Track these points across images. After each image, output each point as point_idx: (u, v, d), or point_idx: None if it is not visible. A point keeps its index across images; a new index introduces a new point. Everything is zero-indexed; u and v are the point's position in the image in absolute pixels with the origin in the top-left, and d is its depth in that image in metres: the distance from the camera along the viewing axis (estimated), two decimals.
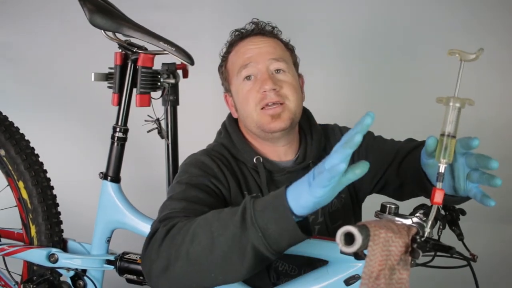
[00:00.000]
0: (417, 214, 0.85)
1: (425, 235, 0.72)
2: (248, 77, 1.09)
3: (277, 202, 0.72)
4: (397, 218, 0.84)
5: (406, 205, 1.01)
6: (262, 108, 1.07)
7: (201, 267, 0.78)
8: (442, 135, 0.77)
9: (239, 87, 1.11)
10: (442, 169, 0.77)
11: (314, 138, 1.17)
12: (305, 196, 0.69)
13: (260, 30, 1.14)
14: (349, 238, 0.64)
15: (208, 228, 0.78)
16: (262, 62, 1.08)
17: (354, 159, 1.19)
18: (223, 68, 1.18)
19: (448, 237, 0.86)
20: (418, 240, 0.68)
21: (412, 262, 0.69)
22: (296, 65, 1.18)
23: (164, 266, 0.82)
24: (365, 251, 0.67)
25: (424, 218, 0.84)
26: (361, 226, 0.65)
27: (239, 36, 1.15)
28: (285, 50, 1.15)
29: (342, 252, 0.90)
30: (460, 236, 0.91)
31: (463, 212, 0.95)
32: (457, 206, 0.97)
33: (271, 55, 1.09)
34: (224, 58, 1.17)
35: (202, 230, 0.79)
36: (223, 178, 1.07)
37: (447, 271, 0.92)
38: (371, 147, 1.19)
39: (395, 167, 1.11)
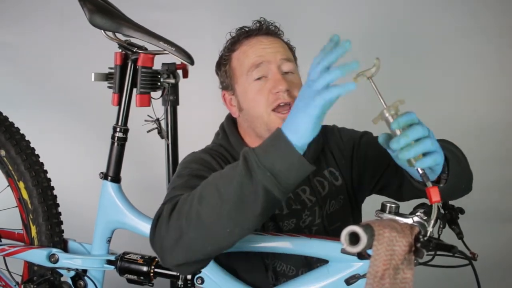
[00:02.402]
0: (417, 213, 0.85)
1: (428, 235, 0.72)
2: (259, 78, 1.08)
3: (277, 141, 0.75)
4: (397, 218, 0.84)
5: (406, 205, 1.01)
6: (273, 110, 1.06)
7: (215, 225, 0.79)
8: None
9: (248, 87, 1.09)
10: (420, 170, 0.76)
11: (313, 140, 1.17)
12: (303, 120, 0.74)
13: (266, 30, 1.13)
14: (353, 238, 0.64)
15: (213, 187, 0.79)
16: (274, 62, 1.07)
17: (353, 160, 1.19)
18: (226, 66, 1.15)
19: (446, 236, 0.86)
20: (421, 239, 0.68)
21: (415, 261, 0.69)
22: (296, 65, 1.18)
23: (176, 236, 0.82)
24: (368, 251, 0.67)
25: (425, 217, 0.84)
26: (366, 225, 0.65)
27: (245, 35, 1.13)
28: (289, 50, 1.15)
29: (344, 252, 0.90)
30: (459, 235, 0.91)
31: (462, 211, 0.95)
32: (456, 205, 0.97)
33: (282, 55, 1.09)
34: (227, 57, 1.15)
35: (207, 191, 0.80)
36: None
37: (446, 270, 0.92)
38: (370, 146, 1.18)
39: (394, 166, 1.11)
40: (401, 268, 0.66)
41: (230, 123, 1.19)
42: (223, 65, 1.17)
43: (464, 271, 0.89)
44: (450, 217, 0.93)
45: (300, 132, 0.74)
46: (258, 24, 1.14)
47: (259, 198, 0.75)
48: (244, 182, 0.75)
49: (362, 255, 0.70)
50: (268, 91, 1.06)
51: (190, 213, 0.80)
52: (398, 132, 0.75)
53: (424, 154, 0.75)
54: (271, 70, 1.07)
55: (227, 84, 1.16)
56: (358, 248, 0.63)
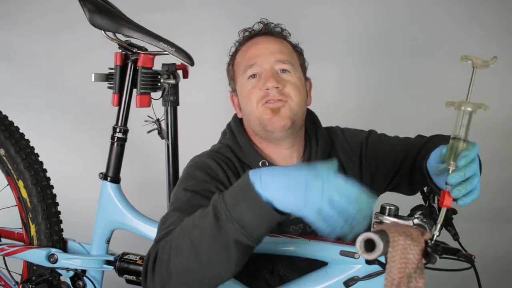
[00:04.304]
0: (417, 216, 0.85)
1: (434, 239, 0.72)
2: (253, 76, 1.08)
3: (246, 191, 0.73)
4: (396, 220, 0.84)
5: (406, 205, 1.00)
6: (263, 104, 1.06)
7: (192, 276, 0.79)
8: (453, 138, 0.77)
9: (243, 86, 1.10)
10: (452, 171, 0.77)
11: (320, 143, 1.16)
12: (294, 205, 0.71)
13: (268, 30, 1.13)
14: (368, 245, 0.63)
15: (187, 238, 0.79)
16: (267, 62, 1.07)
17: (362, 161, 1.18)
18: (230, 67, 1.17)
19: (441, 238, 0.86)
20: (430, 243, 0.68)
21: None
22: (303, 68, 1.17)
23: (161, 287, 0.82)
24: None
25: (425, 220, 0.84)
26: (381, 232, 0.65)
27: (247, 36, 1.14)
28: (292, 52, 1.14)
29: (343, 254, 0.90)
30: (455, 236, 0.90)
31: (454, 212, 0.95)
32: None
33: (277, 56, 1.08)
34: (232, 58, 1.17)
35: (182, 242, 0.79)
36: (228, 184, 1.05)
37: (444, 271, 0.92)
38: (379, 146, 1.18)
39: (408, 165, 1.12)
40: (414, 277, 0.66)
41: (238, 122, 1.18)
42: (228, 65, 1.19)
43: (463, 271, 0.89)
44: (446, 218, 0.93)
45: (284, 201, 0.72)
46: (261, 25, 1.14)
47: (231, 250, 0.75)
48: (215, 235, 0.75)
49: (371, 261, 0.69)
50: (259, 89, 1.07)
51: (169, 265, 0.80)
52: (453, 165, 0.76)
53: None
54: (264, 69, 1.07)
55: (232, 84, 1.18)
56: (374, 255, 0.63)
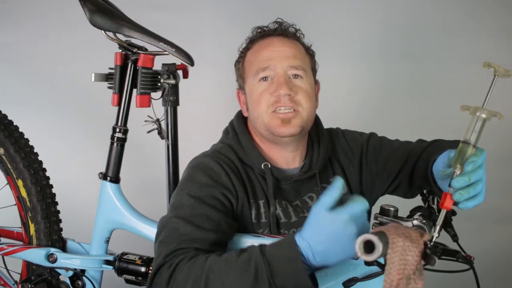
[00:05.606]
0: (416, 217, 0.85)
1: (433, 240, 0.72)
2: (264, 78, 1.07)
3: (295, 264, 0.78)
4: (396, 221, 0.84)
5: (405, 206, 1.01)
6: (273, 111, 1.05)
7: None
8: (463, 142, 0.77)
9: (254, 88, 1.09)
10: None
11: (322, 147, 1.16)
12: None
13: (283, 31, 1.12)
14: (367, 246, 0.63)
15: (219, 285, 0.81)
16: (280, 67, 1.06)
17: (362, 165, 1.18)
18: (240, 64, 1.16)
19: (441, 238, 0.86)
20: (429, 245, 0.68)
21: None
22: (314, 71, 1.16)
23: None
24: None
25: (424, 221, 0.84)
26: (380, 233, 0.65)
27: (261, 34, 1.12)
28: (305, 55, 1.13)
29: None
30: (454, 237, 0.91)
31: (454, 213, 0.95)
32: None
33: (291, 62, 1.07)
34: (243, 54, 1.16)
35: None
36: (232, 187, 1.05)
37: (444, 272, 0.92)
38: (379, 149, 1.18)
39: (409, 169, 1.12)
40: (413, 278, 0.66)
41: (241, 121, 1.17)
42: (238, 62, 1.17)
43: (462, 272, 0.89)
44: (445, 219, 0.93)
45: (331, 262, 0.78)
46: (276, 25, 1.13)
47: None
48: None
49: (370, 262, 0.69)
50: (270, 93, 1.06)
51: None
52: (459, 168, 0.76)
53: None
54: (276, 73, 1.06)
55: (240, 82, 1.17)
56: (373, 257, 0.63)
